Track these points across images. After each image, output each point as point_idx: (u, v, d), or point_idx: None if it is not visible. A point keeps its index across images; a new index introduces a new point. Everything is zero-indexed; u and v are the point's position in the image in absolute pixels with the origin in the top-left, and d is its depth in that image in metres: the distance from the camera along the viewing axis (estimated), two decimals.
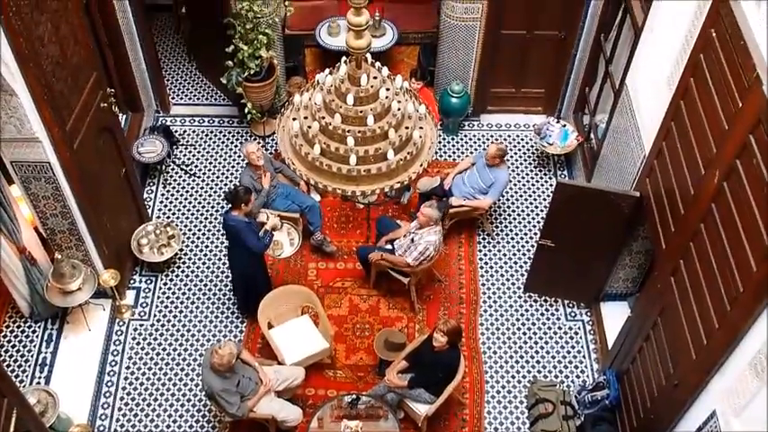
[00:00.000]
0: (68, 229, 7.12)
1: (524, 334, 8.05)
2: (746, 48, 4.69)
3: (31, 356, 7.70)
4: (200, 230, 8.85)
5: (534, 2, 8.69)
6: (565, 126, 9.15)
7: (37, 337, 7.83)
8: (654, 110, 6.44)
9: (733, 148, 4.84)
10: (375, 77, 4.83)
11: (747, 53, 4.67)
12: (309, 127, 4.87)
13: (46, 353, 7.71)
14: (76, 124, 6.67)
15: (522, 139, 9.82)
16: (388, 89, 4.84)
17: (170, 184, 9.25)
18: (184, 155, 9.55)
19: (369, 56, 4.78)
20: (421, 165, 5.16)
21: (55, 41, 6.15)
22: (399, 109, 4.91)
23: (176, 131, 9.71)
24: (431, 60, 9.81)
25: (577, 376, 7.75)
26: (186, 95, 10.25)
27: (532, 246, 8.54)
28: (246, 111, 8.97)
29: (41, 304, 7.64)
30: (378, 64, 4.89)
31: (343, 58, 4.82)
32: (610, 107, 7.95)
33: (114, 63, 8.67)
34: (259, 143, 9.24)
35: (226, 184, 9.21)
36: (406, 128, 4.95)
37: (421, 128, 5.11)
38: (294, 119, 5.06)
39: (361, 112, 4.76)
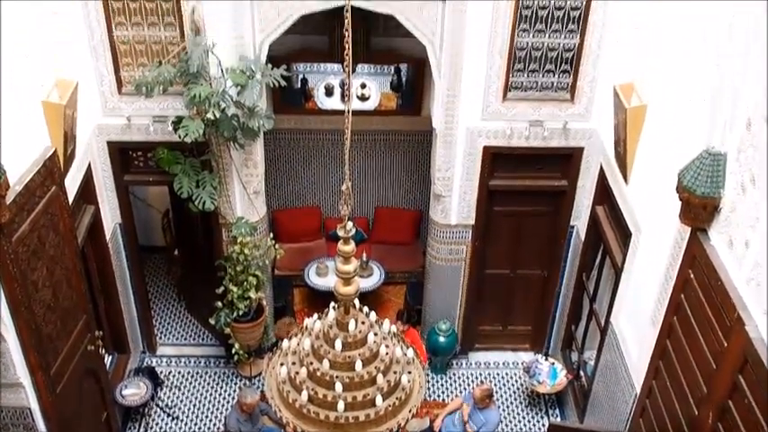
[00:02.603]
0: None
1: None
2: (725, 288, 4.83)
3: None
4: None
5: (516, 242, 9.01)
6: (553, 364, 9.13)
7: None
8: (641, 349, 6.48)
9: (724, 388, 4.83)
10: (363, 322, 4.88)
11: (726, 293, 4.80)
12: (297, 373, 4.85)
13: None
14: (62, 368, 6.62)
15: (512, 378, 9.75)
16: (375, 334, 4.88)
17: (152, 428, 9.00)
18: (169, 397, 9.38)
19: (356, 299, 4.87)
20: (410, 410, 5.08)
21: (48, 286, 6.26)
22: (387, 353, 4.92)
23: (162, 372, 9.60)
24: (418, 299, 9.97)
25: None
26: (174, 335, 10.26)
27: None
28: (234, 351, 8.95)
29: None
30: (365, 309, 4.96)
31: (332, 304, 4.91)
32: (597, 344, 7.99)
33: (104, 305, 8.75)
34: (253, 385, 9.15)
35: (209, 428, 8.98)
36: (395, 372, 4.93)
37: (409, 372, 5.09)
38: (282, 364, 5.05)
39: (349, 357, 4.76)
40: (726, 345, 4.83)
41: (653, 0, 6.49)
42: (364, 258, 10.07)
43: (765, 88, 4.48)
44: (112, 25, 7.33)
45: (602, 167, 7.86)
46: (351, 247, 4.42)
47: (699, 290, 5.28)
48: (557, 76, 7.73)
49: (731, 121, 4.91)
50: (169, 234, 10.83)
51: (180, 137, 7.22)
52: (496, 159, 8.25)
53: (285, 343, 5.17)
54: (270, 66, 7.44)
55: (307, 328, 5.04)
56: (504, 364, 9.95)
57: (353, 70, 9.71)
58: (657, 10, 6.41)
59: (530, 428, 9.11)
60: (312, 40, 9.27)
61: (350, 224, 4.38)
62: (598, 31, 7.42)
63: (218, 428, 8.83)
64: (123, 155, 8.26)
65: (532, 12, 7.31)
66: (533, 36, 7.47)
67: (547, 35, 7.48)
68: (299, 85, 10.43)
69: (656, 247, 6.22)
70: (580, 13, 7.34)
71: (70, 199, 6.82)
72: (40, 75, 6.46)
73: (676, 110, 5.93)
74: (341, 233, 4.35)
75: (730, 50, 4.97)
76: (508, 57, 7.54)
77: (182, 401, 9.35)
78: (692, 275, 5.41)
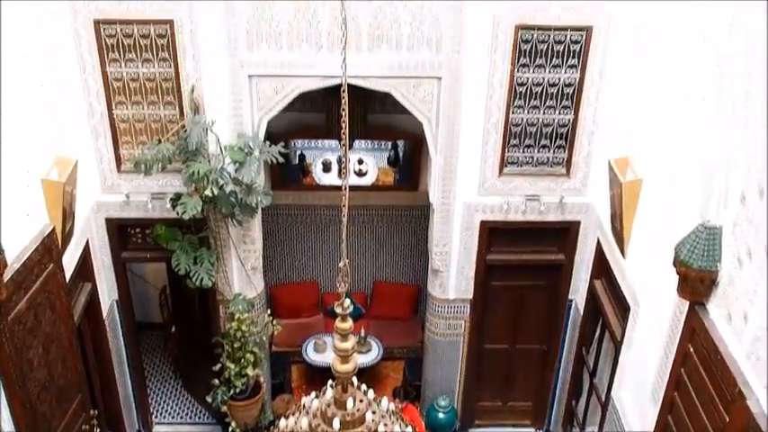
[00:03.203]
0: None
1: None
2: (725, 362, 4.79)
3: None
4: None
5: (515, 316, 8.97)
6: None
7: None
8: (643, 424, 6.39)
9: None
10: (361, 401, 4.83)
11: (727, 368, 4.76)
12: None
13: None
14: None
15: None
16: (374, 412, 4.82)
17: None
18: None
19: (355, 376, 4.82)
20: None
21: (44, 365, 6.20)
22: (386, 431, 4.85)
23: None
24: (417, 375, 9.87)
25: None
26: (170, 413, 10.10)
27: None
28: (231, 429, 8.80)
29: None
30: (364, 387, 4.91)
31: (330, 382, 4.85)
32: (599, 420, 7.88)
33: (100, 383, 8.63)
34: None
35: None
36: None
37: None
38: None
39: None
40: (727, 420, 4.77)
41: (646, 76, 6.63)
42: (362, 334, 10.01)
43: (758, 162, 4.54)
44: (113, 104, 7.45)
45: (599, 241, 7.89)
46: (348, 324, 4.40)
47: (699, 364, 5.24)
48: (552, 151, 7.83)
49: (726, 195, 4.95)
50: (166, 310, 10.79)
51: (178, 214, 7.25)
52: (494, 234, 8.28)
53: (282, 422, 5.09)
54: (268, 143, 7.53)
55: (304, 406, 4.98)
56: None
57: (351, 146, 9.83)
58: (650, 85, 6.53)
59: None
60: (310, 116, 9.40)
61: (347, 301, 4.37)
62: (592, 107, 7.54)
63: None
64: (121, 232, 8.28)
65: (527, 88, 7.45)
66: (528, 112, 7.59)
67: (541, 111, 7.60)
68: (297, 161, 10.55)
69: (655, 320, 6.20)
70: (574, 90, 7.47)
71: (67, 276, 6.82)
72: (40, 153, 6.53)
73: (671, 184, 5.98)
74: (338, 310, 4.34)
75: (723, 125, 5.04)
76: (504, 133, 7.64)
77: None
78: (691, 349, 5.38)
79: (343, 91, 3.71)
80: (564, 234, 8.35)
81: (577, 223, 8.23)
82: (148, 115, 7.55)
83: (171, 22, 7.03)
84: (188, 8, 6.95)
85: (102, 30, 7.07)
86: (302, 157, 10.57)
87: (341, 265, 4.30)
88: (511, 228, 8.22)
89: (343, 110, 3.70)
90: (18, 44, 6.04)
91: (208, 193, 7.16)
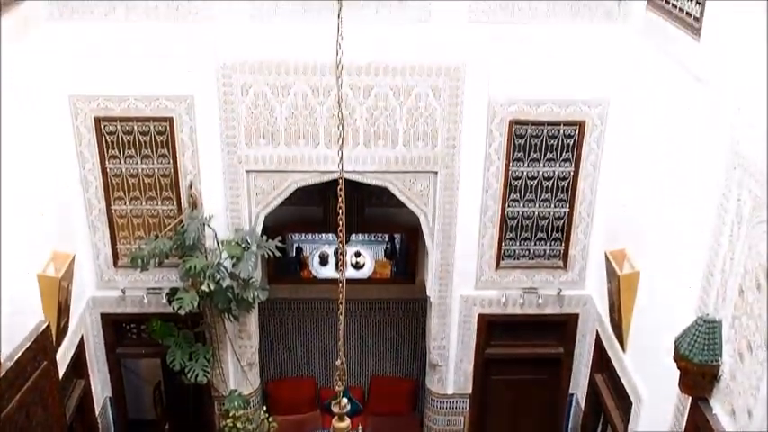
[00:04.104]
0: None
1: None
2: None
3: None
4: None
5: (515, 411, 8.82)
6: None
7: None
8: None
9: None
10: None
11: None
12: None
13: None
14: None
15: None
16: None
17: None
18: None
19: None
20: None
21: None
22: None
23: None
24: None
25: None
26: None
27: None
28: None
29: None
30: None
31: None
32: None
33: None
34: None
35: None
36: None
37: None
38: None
39: None
40: None
41: (640, 168, 6.71)
42: (360, 429, 9.79)
43: (756, 256, 4.55)
44: (111, 200, 7.50)
45: (598, 334, 7.83)
46: (345, 423, 4.35)
47: None
48: (549, 243, 7.86)
49: (724, 288, 4.94)
50: (160, 407, 10.57)
51: (174, 309, 7.21)
52: (492, 327, 8.23)
53: None
54: (265, 237, 7.55)
55: None
56: None
57: (347, 240, 9.86)
58: (646, 178, 6.60)
59: None
60: (307, 210, 9.45)
61: (344, 400, 4.32)
62: (587, 200, 7.61)
63: None
64: (116, 327, 8.22)
65: (522, 182, 7.53)
66: (524, 206, 7.65)
67: (537, 204, 7.66)
68: (294, 254, 10.53)
69: (657, 416, 6.09)
70: (568, 183, 7.55)
71: (60, 373, 6.70)
72: (37, 248, 6.54)
73: (669, 277, 5.98)
74: (335, 409, 4.29)
75: (722, 218, 5.07)
76: (500, 226, 7.69)
77: None
78: None
79: (340, 189, 3.75)
80: (563, 327, 8.30)
81: (576, 316, 8.18)
82: (146, 210, 7.61)
83: (171, 120, 7.16)
84: (187, 106, 7.08)
85: (102, 127, 7.19)
86: (299, 249, 10.56)
87: (337, 363, 4.26)
88: (509, 321, 8.17)
89: (340, 207, 3.73)
90: (16, 140, 6.12)
91: (204, 288, 7.13)
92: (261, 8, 6.80)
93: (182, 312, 7.17)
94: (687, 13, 5.72)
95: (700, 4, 5.49)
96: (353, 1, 6.51)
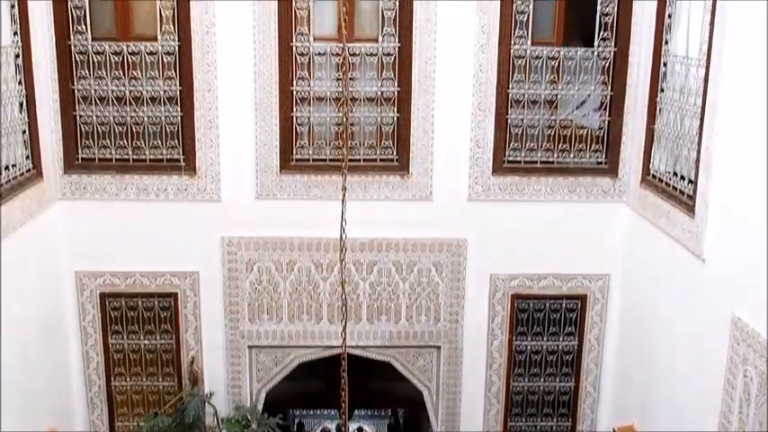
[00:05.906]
0: None
1: None
2: None
3: None
4: None
5: None
6: None
7: None
8: None
9: None
10: None
11: None
12: None
13: None
14: None
15: None
16: None
17: None
18: None
19: None
20: None
21: None
22: None
23: None
24: None
25: None
26: None
27: None
28: None
29: None
30: None
31: None
32: None
33: None
34: None
35: None
36: None
37: None
38: None
39: None
40: None
41: (645, 345, 6.68)
42: None
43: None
44: (112, 376, 7.42)
45: None
46: None
47: None
48: (555, 419, 7.70)
49: None
50: None
51: None
52: None
53: None
54: (266, 414, 7.40)
55: None
56: None
57: (350, 416, 9.68)
58: (651, 355, 6.56)
59: None
60: (309, 385, 9.33)
61: None
62: (592, 374, 7.52)
63: None
64: None
65: (526, 356, 7.47)
66: (529, 380, 7.56)
67: (542, 379, 7.57)
68: (296, 430, 10.33)
69: None
70: (573, 357, 7.50)
71: None
72: (32, 426, 6.41)
73: None
74: None
75: (729, 394, 4.99)
76: (505, 402, 7.55)
77: None
78: None
79: (344, 370, 3.73)
80: None
81: None
82: (146, 386, 7.51)
83: (175, 295, 7.21)
84: (192, 281, 7.16)
85: (107, 302, 7.24)
86: (300, 425, 10.35)
87: None
88: None
89: (343, 390, 3.70)
90: (19, 314, 6.14)
91: None
92: (265, 188, 7.00)
93: None
94: (680, 191, 5.89)
95: (692, 183, 5.64)
96: (356, 178, 6.75)
